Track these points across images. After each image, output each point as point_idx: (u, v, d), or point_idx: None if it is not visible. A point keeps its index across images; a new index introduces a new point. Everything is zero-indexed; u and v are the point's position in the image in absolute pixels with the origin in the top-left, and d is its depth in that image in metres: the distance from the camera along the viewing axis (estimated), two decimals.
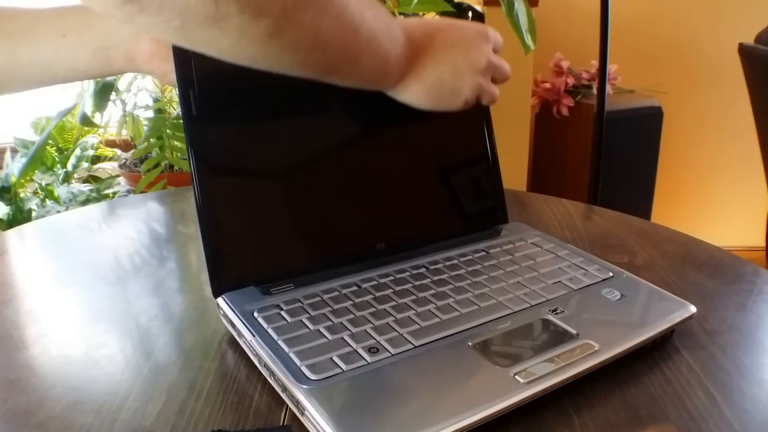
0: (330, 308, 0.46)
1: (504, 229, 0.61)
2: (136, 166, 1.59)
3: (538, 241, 0.59)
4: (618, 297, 0.49)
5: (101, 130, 1.70)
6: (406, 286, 0.49)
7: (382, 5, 0.43)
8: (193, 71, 0.47)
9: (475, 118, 0.61)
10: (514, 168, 1.75)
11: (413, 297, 0.48)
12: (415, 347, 0.42)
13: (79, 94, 1.50)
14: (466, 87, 0.49)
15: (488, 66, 0.50)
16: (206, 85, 0.47)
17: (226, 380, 0.43)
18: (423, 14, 1.34)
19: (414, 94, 0.48)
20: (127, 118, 1.53)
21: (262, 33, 0.34)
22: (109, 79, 1.37)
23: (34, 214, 1.38)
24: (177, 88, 0.46)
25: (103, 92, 1.38)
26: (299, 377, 0.39)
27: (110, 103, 1.44)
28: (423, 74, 0.47)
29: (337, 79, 0.42)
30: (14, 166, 1.46)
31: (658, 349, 0.46)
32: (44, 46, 0.49)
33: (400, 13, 1.33)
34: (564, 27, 1.96)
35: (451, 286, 0.50)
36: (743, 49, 1.38)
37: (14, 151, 1.57)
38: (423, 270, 0.52)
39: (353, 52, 0.40)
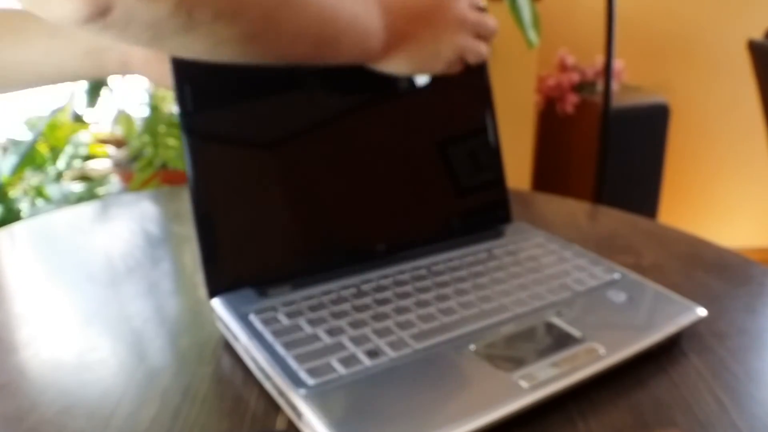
0: (329, 310, 0.45)
1: (507, 230, 0.60)
2: (129, 164, 1.59)
3: (542, 241, 0.58)
4: (624, 299, 0.48)
5: (94, 128, 1.69)
6: (406, 288, 0.49)
7: None
8: (190, 68, 0.46)
9: (478, 116, 0.60)
10: (517, 167, 1.74)
11: (414, 299, 0.47)
12: (416, 350, 0.41)
13: (71, 91, 1.50)
14: (446, 49, 0.49)
15: (465, 23, 0.49)
16: (203, 82, 0.46)
17: (222, 384, 0.42)
18: None
19: (395, 63, 0.48)
20: (120, 116, 1.53)
21: (240, 36, 0.33)
22: None
23: (24, 213, 1.38)
24: (172, 91, 0.46)
25: (96, 89, 1.37)
26: (296, 381, 0.38)
27: (102, 100, 1.43)
28: (401, 44, 0.47)
29: (318, 62, 0.42)
30: (4, 165, 1.45)
31: (665, 353, 0.46)
32: (33, 47, 0.48)
33: None
34: (568, 21, 1.95)
35: (452, 288, 0.49)
36: (753, 46, 1.37)
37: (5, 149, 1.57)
38: (424, 271, 0.51)
39: (333, 38, 0.40)
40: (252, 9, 0.32)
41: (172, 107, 1.54)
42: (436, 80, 0.57)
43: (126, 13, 0.28)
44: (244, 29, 0.33)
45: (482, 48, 0.52)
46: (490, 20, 0.51)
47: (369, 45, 0.44)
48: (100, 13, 0.28)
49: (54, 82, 0.52)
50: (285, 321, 0.44)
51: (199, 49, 0.34)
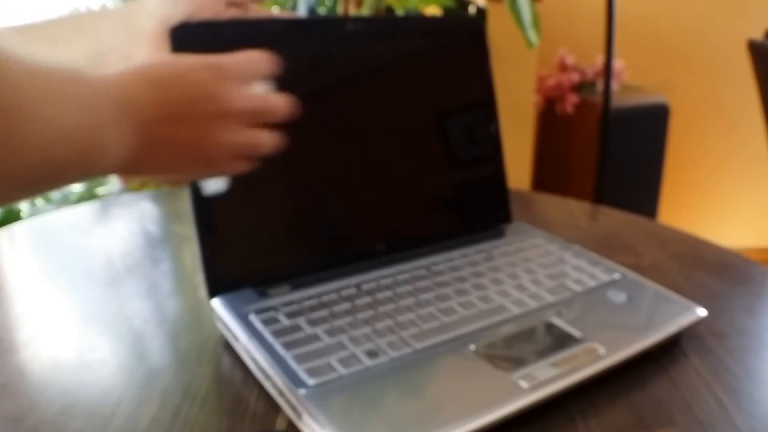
0: (328, 310, 0.45)
1: (507, 230, 0.60)
2: None
3: (542, 241, 0.58)
4: (624, 299, 0.48)
5: None
6: (406, 288, 0.49)
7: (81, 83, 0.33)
8: None
9: (480, 116, 0.60)
10: (517, 167, 1.74)
11: (414, 299, 0.47)
12: (416, 351, 0.41)
13: None
14: (216, 152, 0.39)
15: (232, 116, 0.39)
16: None
17: (222, 384, 0.42)
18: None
19: (155, 173, 0.40)
20: None
21: None
22: None
23: (24, 213, 1.38)
24: None
25: None
26: (296, 381, 0.38)
27: None
28: (159, 150, 0.38)
29: (38, 195, 0.34)
30: None
31: (665, 353, 0.46)
32: (32, 55, 0.48)
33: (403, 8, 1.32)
34: (568, 21, 1.95)
35: (452, 288, 0.49)
36: (753, 45, 1.37)
37: None
38: (424, 271, 0.51)
39: (54, 168, 0.32)
40: None
41: None
42: (437, 80, 0.57)
43: None
44: None
45: (264, 138, 0.41)
46: (275, 99, 0.41)
47: (107, 160, 0.34)
48: None
49: None
50: (285, 321, 0.44)
51: None
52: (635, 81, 1.95)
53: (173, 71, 0.38)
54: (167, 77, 0.38)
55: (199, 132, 0.38)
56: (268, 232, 0.49)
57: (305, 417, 0.36)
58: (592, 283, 0.51)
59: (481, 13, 1.53)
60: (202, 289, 0.47)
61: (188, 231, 0.67)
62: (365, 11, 1.37)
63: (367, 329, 0.43)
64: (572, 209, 0.76)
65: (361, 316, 0.45)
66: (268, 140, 0.41)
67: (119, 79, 0.36)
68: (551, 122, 1.95)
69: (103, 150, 0.34)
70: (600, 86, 1.77)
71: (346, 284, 0.49)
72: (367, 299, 0.47)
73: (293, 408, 0.37)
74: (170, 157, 0.38)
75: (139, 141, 0.36)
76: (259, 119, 0.41)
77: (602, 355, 0.41)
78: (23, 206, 1.39)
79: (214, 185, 0.45)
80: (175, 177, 0.41)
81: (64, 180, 0.33)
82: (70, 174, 0.33)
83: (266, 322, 0.44)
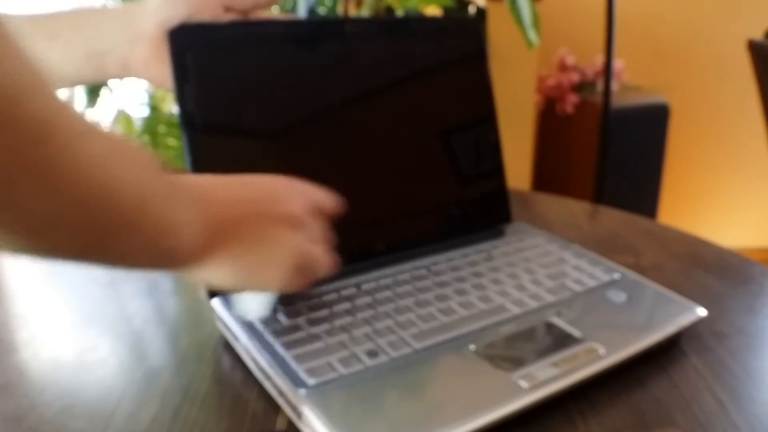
0: (328, 310, 0.45)
1: (507, 230, 0.60)
2: None
3: (541, 241, 0.58)
4: (624, 299, 0.48)
5: None
6: (406, 288, 0.49)
7: (157, 164, 0.31)
8: (190, 68, 0.46)
9: (479, 116, 0.60)
10: (517, 167, 1.74)
11: (414, 299, 0.47)
12: (416, 351, 0.41)
13: (71, 91, 1.50)
14: (281, 254, 0.39)
15: (302, 223, 0.40)
16: (203, 82, 0.46)
17: (222, 384, 0.42)
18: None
19: (216, 271, 0.38)
20: (120, 116, 1.52)
21: None
22: None
23: None
24: (172, 93, 0.46)
25: (96, 89, 1.37)
26: (296, 381, 0.38)
27: (102, 100, 1.43)
28: (226, 244, 0.37)
29: (96, 261, 0.30)
30: None
31: (664, 353, 0.46)
32: (32, 50, 0.48)
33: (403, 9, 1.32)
34: (569, 21, 1.95)
35: (452, 288, 0.49)
36: (753, 46, 1.37)
37: None
38: (424, 271, 0.51)
39: (114, 225, 0.29)
40: None
41: (172, 107, 1.54)
42: (436, 80, 0.57)
43: None
44: None
45: (326, 256, 0.41)
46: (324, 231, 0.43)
47: (175, 242, 0.32)
48: None
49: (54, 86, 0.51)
50: (285, 321, 0.44)
51: None
52: (635, 81, 1.95)
53: (248, 177, 0.40)
54: (240, 178, 0.39)
55: (271, 231, 0.38)
56: None
57: (305, 417, 0.36)
58: (592, 283, 0.51)
59: (481, 13, 1.53)
60: (202, 289, 0.47)
61: None
62: (365, 11, 1.37)
63: (367, 329, 0.43)
64: (572, 209, 0.76)
65: (361, 316, 0.45)
66: (328, 259, 0.41)
67: (196, 177, 0.37)
68: (551, 122, 1.95)
69: (181, 225, 0.33)
70: (600, 86, 1.77)
71: (345, 284, 0.49)
72: (367, 299, 0.47)
73: (293, 408, 0.37)
74: (241, 255, 0.38)
75: (214, 229, 0.35)
76: (314, 237, 0.41)
77: (602, 355, 0.41)
78: None
79: (257, 310, 0.43)
80: (243, 281, 0.40)
81: (129, 246, 0.30)
82: (140, 241, 0.31)
83: (266, 322, 0.44)
